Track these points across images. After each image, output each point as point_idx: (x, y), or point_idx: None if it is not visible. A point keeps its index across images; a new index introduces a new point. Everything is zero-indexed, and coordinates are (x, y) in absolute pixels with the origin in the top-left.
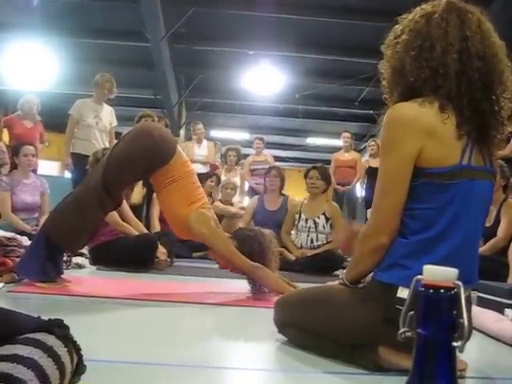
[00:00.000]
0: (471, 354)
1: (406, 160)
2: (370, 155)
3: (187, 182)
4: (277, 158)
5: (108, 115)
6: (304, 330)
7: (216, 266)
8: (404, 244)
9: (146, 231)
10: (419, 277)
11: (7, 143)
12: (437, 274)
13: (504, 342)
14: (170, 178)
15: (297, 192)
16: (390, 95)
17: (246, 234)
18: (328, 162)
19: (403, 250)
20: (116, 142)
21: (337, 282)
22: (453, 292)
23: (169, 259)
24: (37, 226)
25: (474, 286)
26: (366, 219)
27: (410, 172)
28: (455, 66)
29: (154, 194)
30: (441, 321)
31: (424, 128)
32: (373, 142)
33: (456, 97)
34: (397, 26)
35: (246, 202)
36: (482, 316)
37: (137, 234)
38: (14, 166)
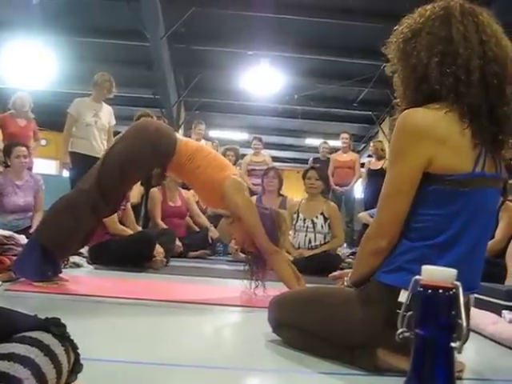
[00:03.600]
0: (468, 355)
1: (414, 169)
2: (373, 155)
3: (203, 154)
4: (275, 159)
5: (107, 114)
6: (300, 331)
7: (216, 266)
8: (411, 249)
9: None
10: (418, 277)
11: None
12: (435, 274)
13: (501, 344)
14: (187, 159)
15: (295, 192)
16: (405, 100)
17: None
18: None
19: (410, 255)
20: (112, 144)
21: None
22: (451, 292)
23: (165, 259)
24: (30, 227)
25: (476, 292)
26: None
27: (416, 181)
28: (477, 72)
29: (151, 193)
30: (439, 321)
31: (436, 137)
32: (377, 143)
33: (477, 104)
34: (401, 28)
35: None
36: (480, 318)
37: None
38: (6, 165)
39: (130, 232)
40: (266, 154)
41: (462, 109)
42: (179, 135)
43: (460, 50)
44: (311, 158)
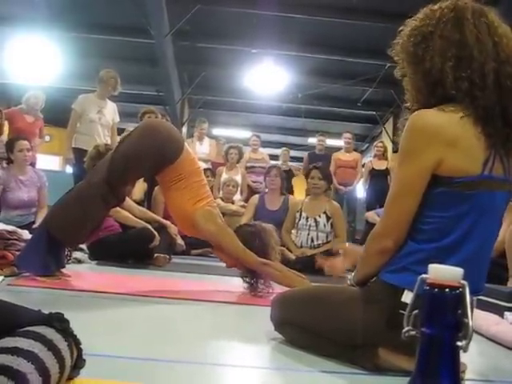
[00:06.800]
0: (470, 356)
1: (423, 171)
2: (375, 156)
3: (194, 179)
4: (278, 158)
5: (111, 111)
6: (302, 329)
7: (219, 264)
8: (417, 250)
9: (152, 215)
10: (424, 276)
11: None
12: (442, 273)
13: (503, 345)
14: (177, 176)
15: (297, 191)
16: (417, 103)
17: (247, 230)
18: None
19: (415, 256)
20: (122, 138)
21: (345, 285)
22: (458, 291)
23: (167, 256)
24: (33, 223)
25: (480, 295)
26: (366, 221)
27: (425, 182)
28: (492, 75)
29: (155, 192)
30: (445, 320)
31: (446, 139)
32: (380, 144)
33: (491, 106)
34: (407, 30)
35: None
36: (482, 319)
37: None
38: (9, 161)
39: (133, 218)
40: (264, 151)
41: (476, 112)
42: (188, 147)
43: (474, 53)
44: (306, 154)
